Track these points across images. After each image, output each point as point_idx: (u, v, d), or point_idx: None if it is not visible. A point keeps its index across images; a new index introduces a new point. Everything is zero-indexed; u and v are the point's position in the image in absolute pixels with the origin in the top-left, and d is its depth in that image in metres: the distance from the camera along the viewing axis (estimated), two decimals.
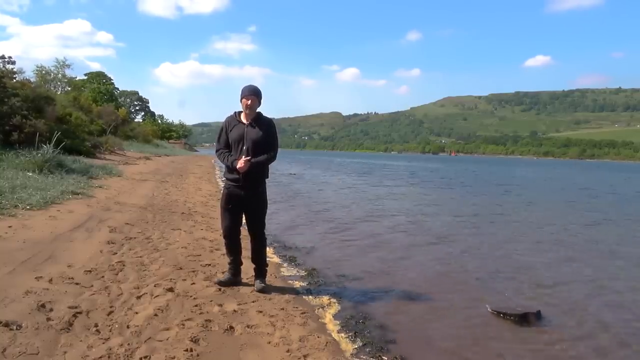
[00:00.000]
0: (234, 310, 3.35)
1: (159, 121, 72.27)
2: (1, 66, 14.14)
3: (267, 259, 4.12)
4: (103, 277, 3.76)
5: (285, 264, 5.17)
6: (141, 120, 67.60)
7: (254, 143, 3.66)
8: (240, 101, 3.72)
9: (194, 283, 3.89)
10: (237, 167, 3.61)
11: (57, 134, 10.41)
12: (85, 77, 52.51)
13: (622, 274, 5.63)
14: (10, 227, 4.89)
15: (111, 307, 3.15)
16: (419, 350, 3.23)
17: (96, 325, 2.82)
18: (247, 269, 4.06)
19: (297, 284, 4.40)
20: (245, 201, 3.75)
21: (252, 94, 3.69)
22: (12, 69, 14.99)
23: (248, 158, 3.61)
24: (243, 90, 3.72)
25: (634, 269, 5.95)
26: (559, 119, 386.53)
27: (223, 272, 4.13)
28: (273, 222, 7.63)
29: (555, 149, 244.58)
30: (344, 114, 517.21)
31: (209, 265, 4.51)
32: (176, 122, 78.08)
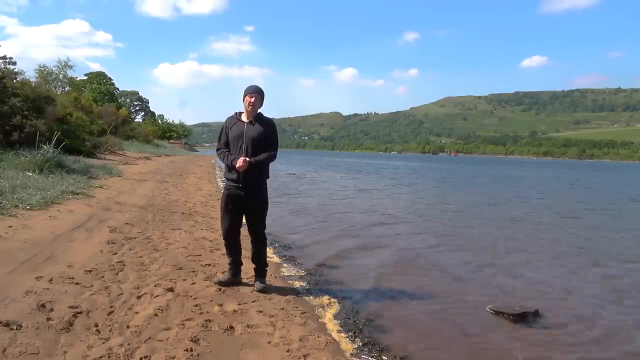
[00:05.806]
0: (234, 310, 3.35)
1: (159, 121, 72.22)
2: (2, 67, 14.11)
3: (267, 259, 4.12)
4: (103, 277, 3.76)
5: (285, 264, 5.18)
6: (141, 120, 67.56)
7: (253, 141, 3.66)
8: (243, 99, 3.73)
9: (194, 283, 3.89)
10: (236, 166, 3.61)
11: (57, 134, 10.40)
12: (86, 77, 52.45)
13: (621, 271, 5.63)
14: (10, 227, 4.89)
15: (111, 307, 3.15)
16: (419, 349, 3.23)
17: (96, 325, 2.82)
18: (247, 269, 4.06)
19: (297, 284, 4.41)
20: (245, 202, 3.74)
21: (256, 92, 3.71)
22: (13, 69, 14.98)
23: (247, 158, 3.61)
24: (247, 89, 3.74)
25: (635, 265, 5.95)
26: (559, 119, 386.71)
27: (223, 272, 4.14)
28: (273, 222, 7.63)
29: (555, 149, 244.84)
30: (344, 114, 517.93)
31: (209, 265, 4.51)
32: (176, 122, 78.07)
